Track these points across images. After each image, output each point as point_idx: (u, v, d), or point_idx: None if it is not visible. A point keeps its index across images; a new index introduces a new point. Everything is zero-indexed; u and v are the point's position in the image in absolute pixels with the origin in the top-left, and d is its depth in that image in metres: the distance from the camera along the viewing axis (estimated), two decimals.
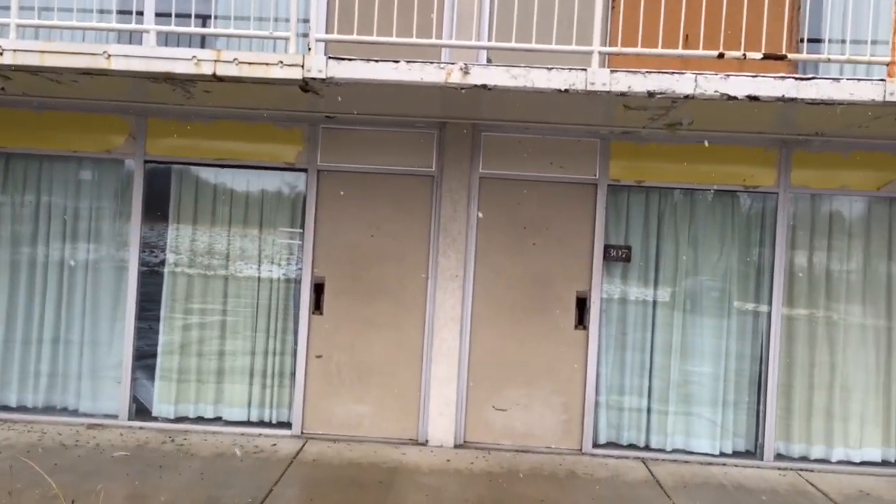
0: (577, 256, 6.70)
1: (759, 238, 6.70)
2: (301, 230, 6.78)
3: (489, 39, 6.45)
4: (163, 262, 6.83)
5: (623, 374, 6.75)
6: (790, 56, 4.93)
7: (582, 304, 6.68)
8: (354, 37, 5.15)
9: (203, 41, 6.61)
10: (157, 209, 6.84)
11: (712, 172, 6.63)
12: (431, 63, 5.00)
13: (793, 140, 6.52)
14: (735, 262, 6.71)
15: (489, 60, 6.50)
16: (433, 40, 5.08)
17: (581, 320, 6.68)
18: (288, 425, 6.76)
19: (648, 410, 6.73)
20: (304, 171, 6.74)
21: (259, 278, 6.82)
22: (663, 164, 6.67)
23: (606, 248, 6.68)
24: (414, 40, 5.11)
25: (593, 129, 6.60)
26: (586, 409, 6.62)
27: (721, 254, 6.72)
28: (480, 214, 6.58)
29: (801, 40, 6.47)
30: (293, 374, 6.76)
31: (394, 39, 5.13)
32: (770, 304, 6.60)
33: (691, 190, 6.71)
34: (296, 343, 6.74)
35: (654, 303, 6.74)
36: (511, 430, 6.66)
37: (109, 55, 5.05)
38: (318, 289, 6.72)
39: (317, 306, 6.74)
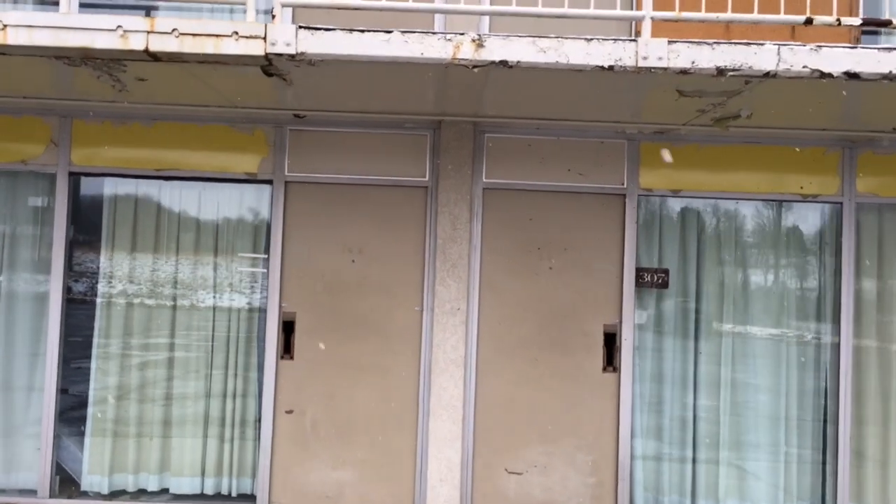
0: (603, 283, 5.52)
1: (819, 256, 5.58)
2: (265, 255, 5.51)
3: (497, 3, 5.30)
4: (94, 292, 5.50)
5: (663, 425, 5.55)
6: None
7: (611, 341, 5.49)
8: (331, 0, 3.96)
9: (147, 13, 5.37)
10: (86, 230, 5.53)
11: (763, 180, 5.52)
12: (434, 34, 3.82)
13: (859, 138, 5.43)
14: (793, 285, 5.58)
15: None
16: (432, 4, 3.90)
17: (610, 360, 5.49)
18: (251, 498, 5.43)
19: (694, 469, 5.53)
20: (269, 182, 5.50)
21: (214, 316, 5.53)
22: (705, 171, 5.54)
23: (639, 272, 5.52)
24: (407, 4, 3.93)
25: (619, 128, 5.46)
26: (620, 470, 5.40)
27: (776, 276, 5.59)
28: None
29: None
30: (258, 434, 5.45)
31: (381, 3, 3.94)
32: (838, 334, 5.47)
33: (739, 200, 5.58)
34: (260, 395, 5.44)
35: (697, 337, 5.58)
36: (528, 498, 5.40)
37: (5, 25, 3.78)
38: (288, 327, 5.45)
39: (286, 349, 5.46)
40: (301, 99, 4.97)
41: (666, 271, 5.54)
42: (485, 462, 5.41)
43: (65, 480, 5.47)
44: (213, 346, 5.52)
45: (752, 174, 5.52)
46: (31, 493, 5.38)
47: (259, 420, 5.42)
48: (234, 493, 5.45)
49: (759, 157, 5.51)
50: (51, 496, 5.37)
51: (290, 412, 5.43)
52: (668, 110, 4.80)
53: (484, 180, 5.52)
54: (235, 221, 5.56)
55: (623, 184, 5.54)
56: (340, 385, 5.43)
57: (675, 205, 5.63)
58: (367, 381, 5.44)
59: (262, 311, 5.49)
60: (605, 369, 5.48)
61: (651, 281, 5.53)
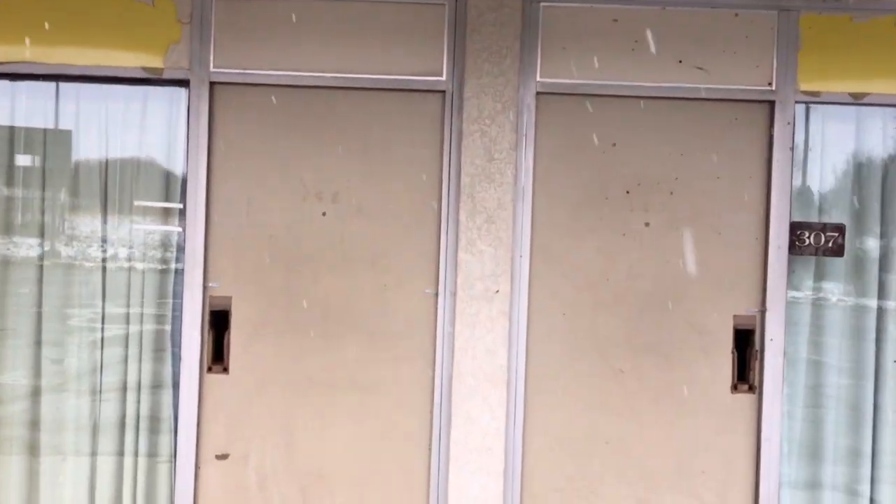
0: (733, 248, 3.36)
1: None
2: (181, 205, 3.38)
3: None
4: None
5: (829, 480, 3.43)
6: None
7: (745, 343, 3.36)
8: None
9: None
10: None
11: None
12: None
13: None
14: None
15: None
16: None
17: (744, 374, 3.36)
18: None
19: None
20: (183, 84, 3.34)
21: (104, 303, 3.42)
22: None
23: (795, 229, 3.35)
24: None
25: None
26: None
27: None
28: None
29: None
30: (171, 492, 3.38)
31: None
32: None
33: None
34: (175, 430, 3.37)
35: (886, 337, 3.43)
36: None
37: None
38: (219, 321, 3.35)
39: (216, 356, 3.37)
40: None
41: (840, 228, 3.36)
42: None
43: None
44: (101, 351, 3.42)
45: None
46: None
47: (174, 469, 3.35)
48: None
49: None
50: None
51: (222, 457, 3.36)
52: None
53: (538, 79, 3.33)
54: (130, 149, 3.41)
55: (770, 84, 3.34)
56: (304, 414, 3.35)
57: (854, 118, 3.42)
58: (346, 409, 3.35)
59: (177, 295, 3.38)
60: (735, 388, 3.35)
61: (815, 245, 3.35)
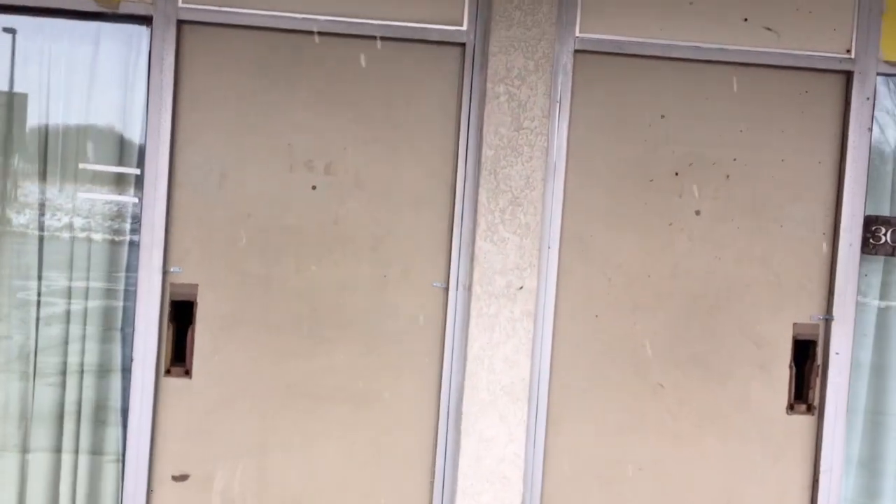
0: (796, 245, 2.86)
1: None
2: (137, 170, 2.76)
3: None
4: None
5: None
6: None
7: (805, 355, 2.87)
8: None
9: None
10: None
11: None
12: None
13: None
14: None
15: None
16: None
17: (802, 392, 2.87)
18: None
19: None
20: (145, 21, 2.70)
21: (39, 286, 2.79)
22: None
23: (869, 223, 2.85)
24: None
25: None
26: None
27: None
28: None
29: None
30: None
31: None
32: None
33: None
34: (123, 447, 2.76)
35: None
36: None
37: None
38: (181, 313, 2.75)
39: (178, 356, 2.77)
40: None
41: None
42: None
43: None
44: (35, 342, 2.80)
45: None
46: None
47: (121, 492, 2.75)
48: None
49: None
50: None
51: (181, 479, 2.77)
52: None
53: (577, 35, 2.77)
54: (77, 101, 2.77)
55: (848, 51, 2.83)
56: (282, 429, 2.77)
57: None
58: (334, 425, 2.78)
59: (132, 280, 2.77)
60: (791, 408, 2.87)
61: (893, 243, 2.86)
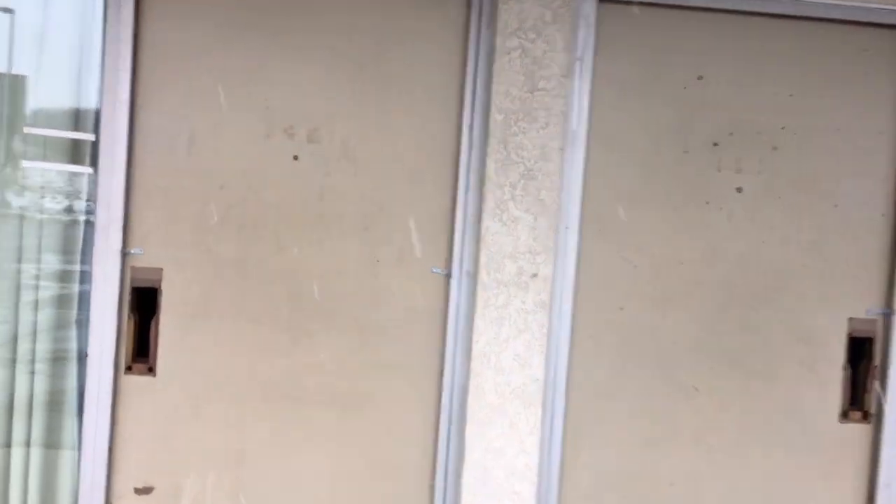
0: (851, 224, 2.48)
1: None
2: (93, 137, 2.39)
3: None
4: None
5: None
6: None
7: (860, 355, 2.49)
8: None
9: None
10: None
11: None
12: None
13: None
14: None
15: None
16: None
17: (857, 397, 2.50)
18: None
19: None
20: None
21: None
22: None
23: None
24: None
25: None
26: None
27: None
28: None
29: None
30: None
31: None
32: None
33: None
34: (79, 454, 2.41)
35: None
36: None
37: None
38: (144, 301, 2.39)
39: (140, 350, 2.41)
40: None
41: None
42: None
43: None
44: None
45: None
46: None
47: None
48: None
49: None
50: None
51: (144, 492, 2.41)
52: None
53: None
54: (19, 53, 2.40)
55: None
56: (258, 436, 2.41)
57: None
58: (318, 431, 2.42)
59: (85, 262, 2.41)
60: (846, 415, 2.49)
61: None
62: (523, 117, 2.31)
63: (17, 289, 2.43)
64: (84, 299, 2.38)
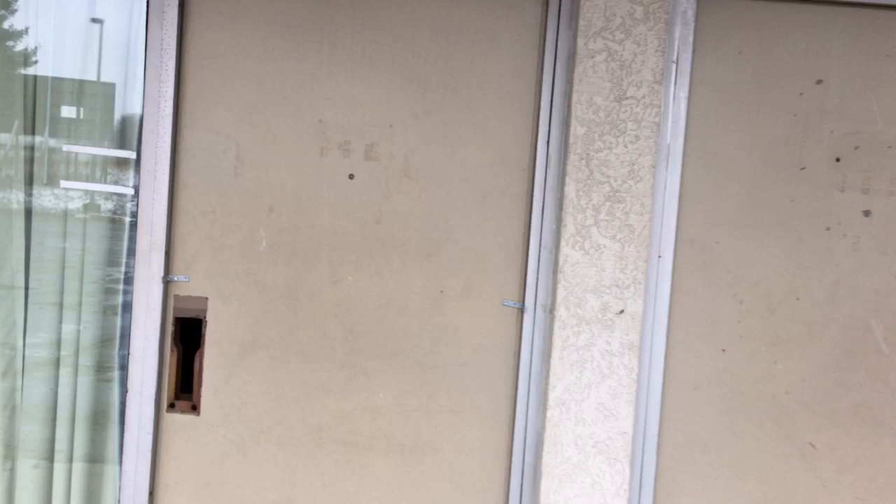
0: None
1: None
2: (133, 153, 2.21)
3: None
4: None
5: None
6: None
7: None
8: None
9: None
10: None
11: None
12: None
13: None
14: None
15: None
16: None
17: None
18: None
19: None
20: None
21: (13, 299, 2.28)
22: None
23: None
24: None
25: None
26: None
27: None
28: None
29: None
30: None
31: None
32: None
33: None
34: (118, 499, 2.23)
35: None
36: None
37: None
38: (189, 333, 2.19)
39: (184, 386, 2.21)
40: None
41: None
42: None
43: None
44: (20, 377, 2.29)
45: None
46: None
47: None
48: None
49: None
50: None
51: None
52: None
53: None
54: (56, 62, 2.24)
55: None
56: (309, 484, 2.17)
57: None
58: (374, 480, 2.16)
59: (126, 292, 2.22)
60: None
61: None
62: (609, 130, 2.00)
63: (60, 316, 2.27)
64: (124, 332, 2.20)
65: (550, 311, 2.05)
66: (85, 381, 2.25)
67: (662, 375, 2.07)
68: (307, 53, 2.12)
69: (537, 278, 2.09)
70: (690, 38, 2.05)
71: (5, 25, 2.22)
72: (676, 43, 2.04)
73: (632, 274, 2.00)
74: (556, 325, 2.01)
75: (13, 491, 2.25)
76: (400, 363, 2.15)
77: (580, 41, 2.00)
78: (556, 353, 2.01)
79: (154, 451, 2.19)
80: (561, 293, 2.01)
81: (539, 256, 2.09)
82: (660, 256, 2.06)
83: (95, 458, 2.26)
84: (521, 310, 2.11)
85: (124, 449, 2.18)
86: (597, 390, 2.01)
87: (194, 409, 2.21)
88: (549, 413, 2.02)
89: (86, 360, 2.26)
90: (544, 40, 2.09)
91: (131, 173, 2.21)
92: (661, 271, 2.05)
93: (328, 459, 2.17)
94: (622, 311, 2.00)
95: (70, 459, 2.26)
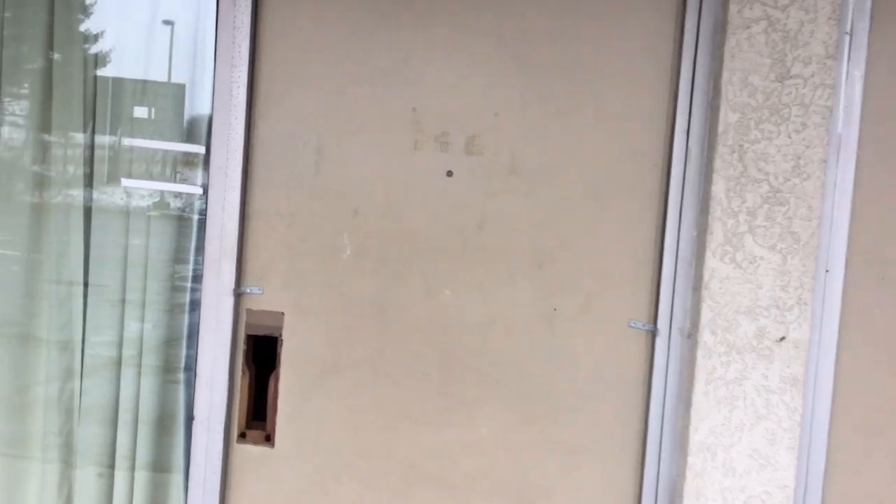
0: None
1: None
2: (202, 147, 1.94)
3: None
4: None
5: None
6: None
7: None
8: None
9: None
10: None
11: None
12: None
13: None
14: None
15: None
16: None
17: None
18: None
19: None
20: None
21: (71, 316, 2.04)
22: None
23: None
24: None
25: None
26: None
27: None
28: None
29: None
30: None
31: None
32: None
33: None
34: None
35: None
36: None
37: None
38: (263, 353, 1.91)
39: (253, 414, 1.94)
40: None
41: None
42: None
43: None
44: (77, 407, 2.05)
45: None
46: None
47: None
48: None
49: None
50: None
51: None
52: None
53: None
54: (116, 52, 1.98)
55: None
56: None
57: None
58: None
59: (193, 303, 1.96)
60: None
61: None
62: (769, 116, 1.63)
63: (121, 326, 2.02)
64: (189, 350, 1.94)
65: (690, 335, 1.70)
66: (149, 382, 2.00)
67: (829, 417, 1.69)
68: (399, 30, 1.81)
69: (672, 296, 1.74)
70: (868, 3, 1.67)
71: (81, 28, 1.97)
72: (851, 9, 1.67)
73: (795, 293, 1.63)
74: (700, 353, 1.66)
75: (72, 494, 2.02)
76: (505, 392, 1.83)
77: (733, 8, 1.64)
78: (699, 388, 1.66)
79: (223, 489, 1.92)
80: (706, 315, 1.66)
81: (675, 269, 1.74)
82: (827, 271, 1.68)
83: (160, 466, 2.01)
84: (653, 333, 1.76)
85: (189, 485, 1.92)
86: (750, 433, 1.65)
87: (268, 439, 1.93)
88: (689, 460, 1.67)
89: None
90: (684, 9, 1.73)
91: (200, 171, 1.94)
92: (831, 289, 1.68)
93: (421, 501, 1.87)
94: (783, 338, 1.64)
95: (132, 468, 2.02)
